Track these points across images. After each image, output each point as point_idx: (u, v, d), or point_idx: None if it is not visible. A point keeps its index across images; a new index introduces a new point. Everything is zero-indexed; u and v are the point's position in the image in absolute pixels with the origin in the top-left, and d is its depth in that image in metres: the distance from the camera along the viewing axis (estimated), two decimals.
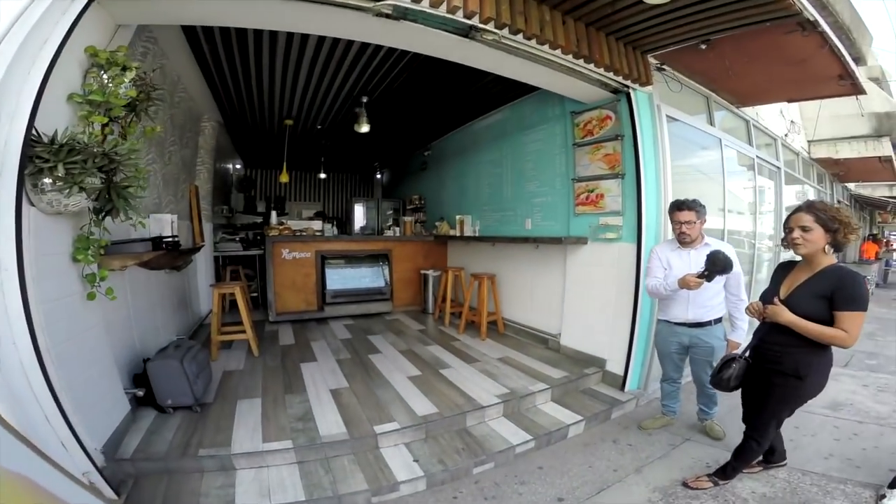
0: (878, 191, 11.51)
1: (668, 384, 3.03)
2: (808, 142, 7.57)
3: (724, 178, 4.55)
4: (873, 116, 7.25)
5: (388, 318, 5.75)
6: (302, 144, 7.76)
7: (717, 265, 2.34)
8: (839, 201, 10.59)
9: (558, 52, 3.01)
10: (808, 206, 1.99)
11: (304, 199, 11.46)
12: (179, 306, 4.28)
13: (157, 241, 2.72)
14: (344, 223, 10.45)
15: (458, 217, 6.05)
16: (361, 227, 9.64)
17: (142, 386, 2.72)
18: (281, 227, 5.62)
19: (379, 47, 3.88)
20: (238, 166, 9.12)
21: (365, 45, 3.85)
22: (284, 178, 7.13)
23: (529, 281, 4.82)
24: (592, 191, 3.94)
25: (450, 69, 4.19)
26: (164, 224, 3.28)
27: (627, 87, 3.50)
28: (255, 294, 6.71)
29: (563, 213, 4.33)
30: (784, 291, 2.07)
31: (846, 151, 7.49)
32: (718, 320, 2.75)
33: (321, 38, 3.75)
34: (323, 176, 9.81)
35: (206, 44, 3.85)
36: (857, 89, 3.97)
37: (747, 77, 3.91)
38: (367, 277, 6.07)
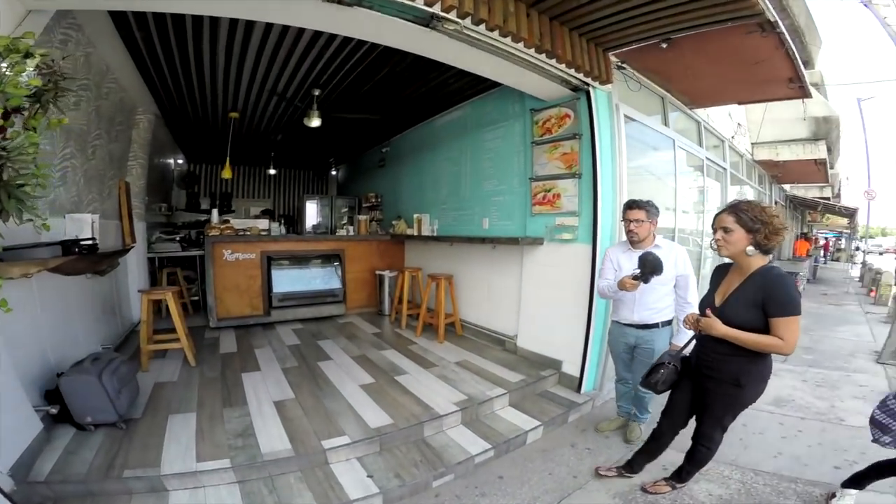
0: (810, 192, 12.44)
1: (621, 384, 3.05)
2: (752, 144, 8.03)
3: (676, 178, 4.69)
4: (812, 120, 7.78)
5: (340, 322, 5.55)
6: (250, 138, 7.39)
7: (647, 266, 2.35)
8: (776, 202, 11.34)
9: (521, 45, 2.94)
10: (731, 207, 1.94)
11: (253, 195, 10.95)
12: (105, 314, 3.90)
13: (69, 245, 2.42)
14: (295, 221, 10.07)
15: (415, 216, 5.93)
16: (314, 226, 9.31)
17: (55, 403, 2.45)
18: (222, 227, 5.28)
19: (333, 37, 3.69)
20: (180, 161, 8.58)
21: (317, 35, 3.65)
22: (227, 173, 6.72)
23: (487, 282, 4.78)
24: (549, 190, 3.93)
25: (408, 62, 4.08)
26: (84, 225, 2.96)
27: (588, 84, 3.50)
28: (196, 298, 6.30)
29: (521, 213, 4.31)
30: (719, 298, 2.02)
31: (786, 154, 8.00)
32: (668, 323, 2.73)
33: (268, 26, 3.51)
34: (273, 172, 9.39)
35: (139, 31, 3.53)
36: (804, 92, 4.17)
37: (704, 78, 4.03)
38: (318, 279, 5.83)
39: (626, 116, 3.78)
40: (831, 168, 9.75)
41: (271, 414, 2.86)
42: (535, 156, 4.05)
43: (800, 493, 2.41)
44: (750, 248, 1.88)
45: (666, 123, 4.65)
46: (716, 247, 1.99)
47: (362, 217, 6.77)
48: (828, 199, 13.04)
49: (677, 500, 2.33)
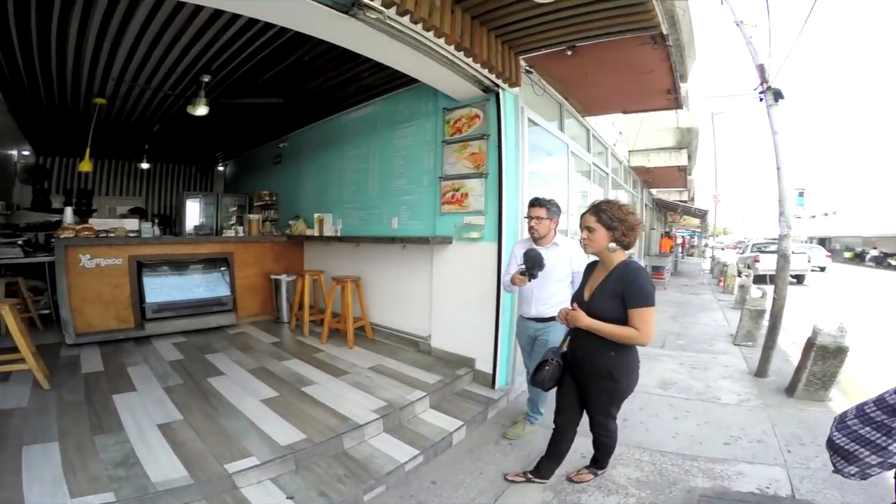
0: (671, 195, 14.47)
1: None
2: (629, 151, 9.07)
3: (569, 181, 5.07)
4: (677, 131, 9.03)
5: (231, 332, 5.02)
6: (119, 128, 6.40)
7: (528, 262, 2.48)
8: (646, 205, 12.95)
9: (442, 41, 2.92)
10: (593, 208, 2.08)
11: (121, 192, 9.48)
12: None
13: None
14: (173, 222, 8.97)
15: (316, 216, 5.61)
16: (196, 227, 8.34)
17: None
18: (78, 228, 4.45)
19: (236, 17, 3.32)
20: (26, 153, 7.18)
21: (217, 14, 3.27)
22: (87, 166, 5.75)
23: (397, 283, 4.69)
24: (458, 190, 3.99)
25: (320, 52, 3.82)
26: None
27: (498, 86, 3.61)
28: (47, 311, 5.23)
29: (430, 212, 4.30)
30: (588, 293, 2.14)
31: (656, 161, 9.18)
32: None
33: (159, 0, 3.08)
34: (146, 166, 8.27)
35: None
36: (678, 103, 4.78)
37: (598, 86, 4.40)
38: (201, 286, 5.21)
39: (529, 120, 3.98)
40: (689, 174, 11.42)
41: (157, 439, 2.46)
42: (446, 155, 4.08)
43: (704, 471, 2.68)
44: (611, 245, 2.02)
45: (562, 129, 5.01)
46: (583, 245, 2.14)
47: (254, 217, 6.21)
48: (685, 201, 15.31)
49: (602, 486, 2.47)
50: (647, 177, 10.54)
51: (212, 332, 4.97)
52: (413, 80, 3.99)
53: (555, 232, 2.86)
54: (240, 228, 5.91)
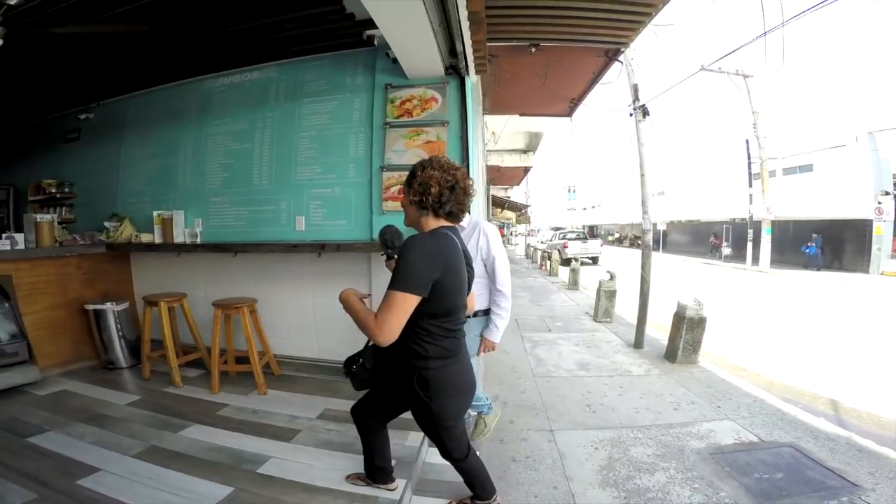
0: (500, 193, 16.12)
1: None
2: (488, 151, 9.58)
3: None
4: (527, 134, 9.93)
5: (42, 394, 3.26)
6: None
7: (380, 240, 2.03)
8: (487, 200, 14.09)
9: None
10: (414, 167, 1.67)
11: None
12: None
13: None
14: None
15: (157, 214, 4.14)
16: None
17: None
18: None
19: None
20: None
21: None
22: None
23: (311, 300, 3.81)
24: None
25: None
26: None
27: (464, 68, 3.18)
28: None
29: (362, 210, 3.63)
30: None
31: (508, 161, 9.96)
32: (485, 312, 2.52)
33: None
34: None
35: None
36: (571, 111, 5.13)
37: (524, 85, 4.37)
38: None
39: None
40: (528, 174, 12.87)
41: None
42: (389, 141, 3.47)
43: (687, 434, 3.17)
44: (414, 210, 1.64)
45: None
46: None
47: (44, 218, 4.08)
48: (508, 198, 17.28)
49: (645, 469, 2.45)
50: (496, 175, 11.38)
51: (6, 398, 3.15)
52: (335, 47, 3.48)
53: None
54: (17, 237, 3.82)
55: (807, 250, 16.21)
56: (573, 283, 10.49)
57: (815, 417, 3.45)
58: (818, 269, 15.65)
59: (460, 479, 2.03)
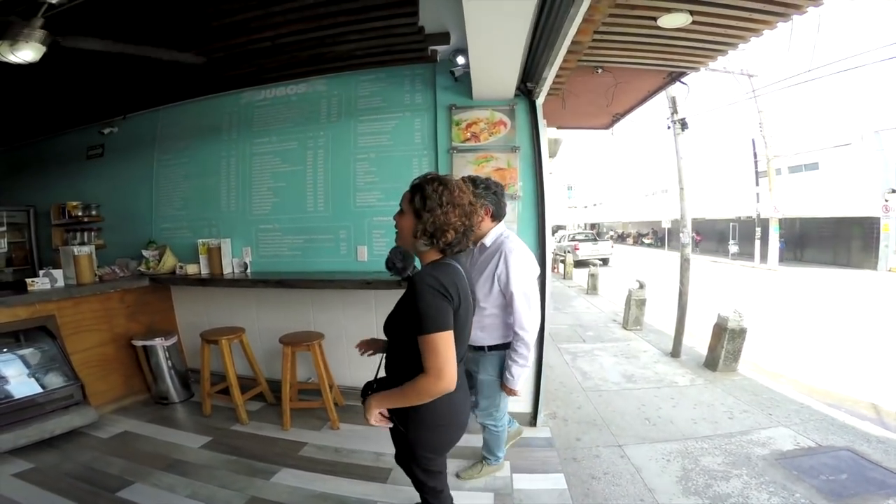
0: None
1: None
2: None
3: None
4: (550, 141, 9.90)
5: (104, 437, 3.17)
6: None
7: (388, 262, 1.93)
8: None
9: None
10: (416, 183, 1.54)
11: None
12: None
13: None
14: None
15: (202, 242, 4.03)
16: None
17: None
18: None
19: None
20: None
21: None
22: None
23: (375, 329, 3.67)
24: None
25: None
26: None
27: (535, 90, 3.15)
28: None
29: None
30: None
31: None
32: (497, 347, 2.28)
33: None
34: None
35: None
36: (612, 125, 5.14)
37: (580, 100, 4.34)
38: (12, 378, 3.15)
39: None
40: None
41: None
42: (457, 167, 3.41)
43: (748, 442, 3.29)
44: (420, 242, 1.49)
45: None
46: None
47: (82, 252, 3.81)
48: None
49: (721, 476, 2.49)
50: None
51: (65, 443, 3.05)
52: (393, 61, 3.40)
53: (493, 225, 2.24)
54: (56, 274, 3.67)
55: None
56: (592, 288, 10.55)
57: (862, 421, 3.63)
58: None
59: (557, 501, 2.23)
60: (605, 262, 17.18)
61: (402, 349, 1.51)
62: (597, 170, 32.55)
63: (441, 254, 1.52)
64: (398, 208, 1.56)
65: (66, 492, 2.49)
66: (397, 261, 1.89)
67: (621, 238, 35.33)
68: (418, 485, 1.79)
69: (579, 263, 14.95)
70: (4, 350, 3.22)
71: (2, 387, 3.07)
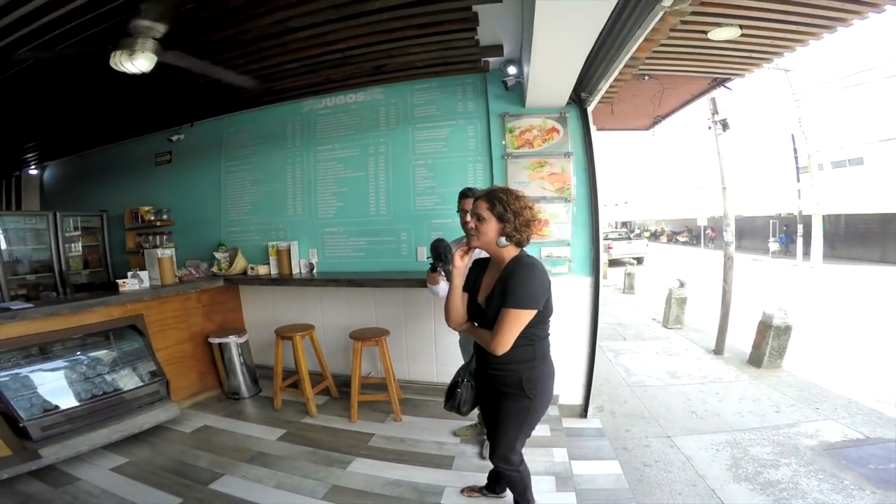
0: None
1: None
2: None
3: None
4: None
5: (186, 431, 3.48)
6: None
7: (433, 253, 2.02)
8: None
9: None
10: (488, 193, 1.87)
11: None
12: None
13: None
14: None
15: (272, 245, 4.34)
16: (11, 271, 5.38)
17: None
18: None
19: None
20: None
21: None
22: None
23: (433, 327, 3.94)
24: None
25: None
26: None
27: (587, 98, 3.30)
28: None
29: None
30: (482, 297, 1.92)
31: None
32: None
33: None
34: None
35: None
36: (653, 126, 5.21)
37: (624, 109, 4.45)
38: (107, 374, 3.47)
39: None
40: None
41: None
42: (511, 172, 3.61)
43: (796, 434, 3.45)
44: (501, 240, 1.81)
45: None
46: (468, 233, 1.92)
47: (165, 254, 4.18)
48: None
49: (771, 465, 2.91)
50: None
51: (152, 437, 3.37)
52: (447, 71, 3.61)
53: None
54: (143, 275, 4.01)
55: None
56: (629, 287, 10.56)
57: None
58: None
59: (615, 485, 2.59)
60: (639, 261, 17.01)
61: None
62: (626, 167, 31.94)
63: (518, 248, 1.85)
64: (457, 213, 1.98)
65: (163, 485, 2.72)
66: (448, 253, 1.92)
67: (655, 236, 34.84)
68: (510, 463, 2.00)
69: (613, 262, 14.86)
70: (101, 347, 3.56)
71: (99, 382, 3.40)
